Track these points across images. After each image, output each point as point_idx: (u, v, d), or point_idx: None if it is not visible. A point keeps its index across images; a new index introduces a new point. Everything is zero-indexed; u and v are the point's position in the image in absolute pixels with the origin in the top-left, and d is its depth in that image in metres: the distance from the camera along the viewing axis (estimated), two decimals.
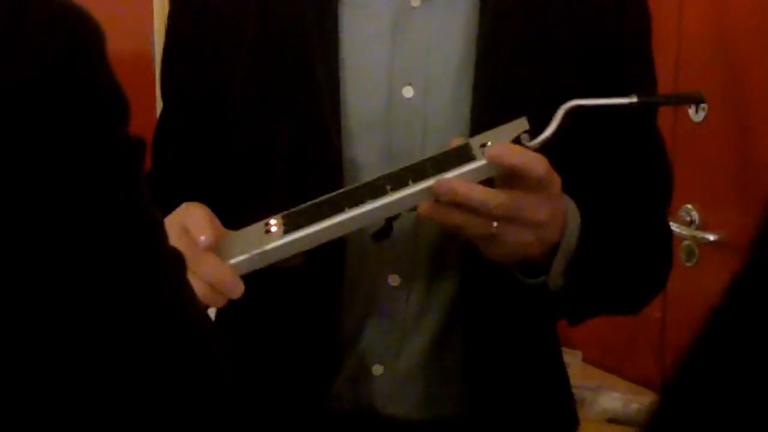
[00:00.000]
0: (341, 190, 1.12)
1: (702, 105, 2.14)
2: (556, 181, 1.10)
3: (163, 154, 1.27)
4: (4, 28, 0.61)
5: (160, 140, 1.28)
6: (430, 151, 1.16)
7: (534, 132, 1.11)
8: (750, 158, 2.11)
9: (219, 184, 1.24)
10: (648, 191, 1.27)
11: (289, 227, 1.10)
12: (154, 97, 2.11)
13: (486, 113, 1.16)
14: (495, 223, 1.08)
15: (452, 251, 1.20)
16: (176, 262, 0.69)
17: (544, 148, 1.10)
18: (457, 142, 1.12)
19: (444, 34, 1.20)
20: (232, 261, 1.09)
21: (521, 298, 1.19)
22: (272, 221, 1.11)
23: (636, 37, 1.25)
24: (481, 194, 1.07)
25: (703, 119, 2.14)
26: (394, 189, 1.08)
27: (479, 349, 1.23)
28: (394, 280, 1.21)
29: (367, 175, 1.16)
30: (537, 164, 1.07)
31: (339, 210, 1.09)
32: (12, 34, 0.61)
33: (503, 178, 1.09)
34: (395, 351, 1.23)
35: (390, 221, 1.12)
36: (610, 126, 1.22)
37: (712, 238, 2.15)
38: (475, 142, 1.11)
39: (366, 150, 1.18)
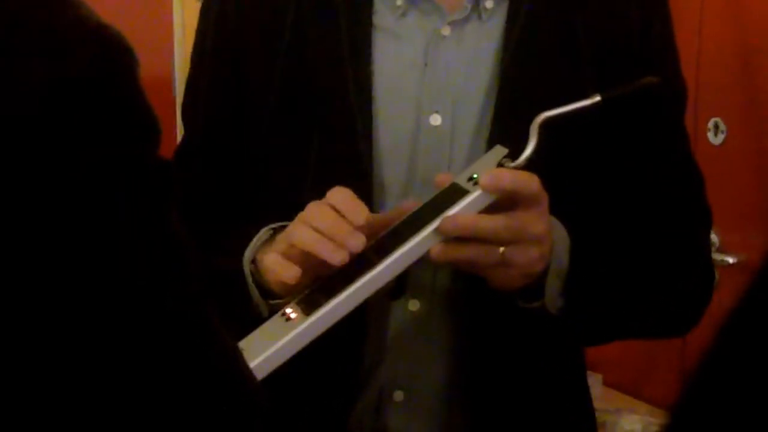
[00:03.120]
0: (354, 256, 1.10)
1: (721, 128, 2.14)
2: (546, 195, 1.12)
3: (186, 176, 1.28)
4: (39, 41, 0.62)
5: (183, 161, 1.29)
6: (456, 173, 1.18)
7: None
8: None
9: (246, 203, 1.25)
10: (679, 213, 1.28)
11: (308, 309, 1.09)
12: (175, 120, 2.12)
13: (504, 138, 1.17)
14: (501, 249, 1.10)
15: (470, 276, 1.20)
16: (199, 284, 0.69)
17: (551, 164, 1.12)
18: (441, 178, 1.14)
19: (473, 63, 1.21)
20: (265, 355, 1.07)
21: (542, 323, 1.20)
22: (288, 309, 1.10)
23: (664, 60, 1.26)
24: (488, 221, 1.09)
25: (722, 142, 2.15)
26: (400, 243, 1.09)
27: (500, 373, 1.23)
28: (413, 305, 1.22)
29: (394, 196, 1.19)
30: (530, 182, 1.10)
31: (350, 278, 1.08)
32: (46, 48, 0.62)
33: (499, 203, 1.10)
34: (416, 377, 1.23)
35: (399, 278, 1.11)
36: (638, 147, 1.23)
37: (731, 260, 2.15)
38: (461, 178, 1.12)
39: (393, 172, 1.20)
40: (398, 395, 1.23)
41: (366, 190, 1.19)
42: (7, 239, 0.61)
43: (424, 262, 1.11)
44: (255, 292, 1.17)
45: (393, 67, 1.22)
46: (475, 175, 1.11)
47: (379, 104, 1.21)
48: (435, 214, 1.10)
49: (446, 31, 1.22)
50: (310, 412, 1.24)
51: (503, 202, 1.10)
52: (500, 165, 1.12)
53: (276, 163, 1.23)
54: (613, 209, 1.24)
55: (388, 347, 1.23)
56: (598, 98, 1.13)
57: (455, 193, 1.11)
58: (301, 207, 1.15)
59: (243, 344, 1.09)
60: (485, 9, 1.22)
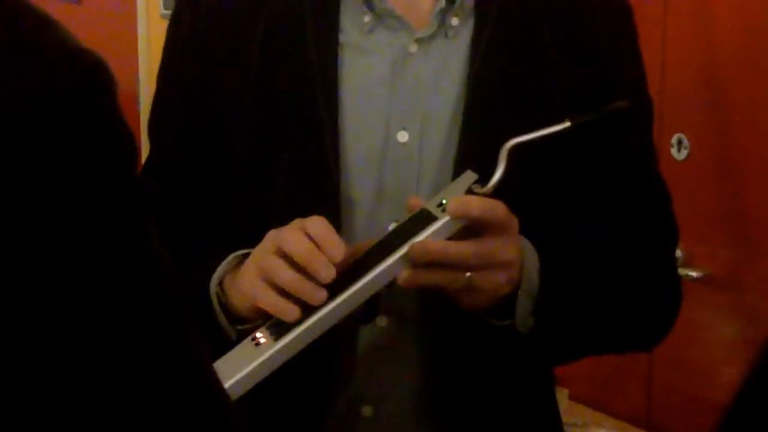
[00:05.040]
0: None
1: (684, 144, 2.16)
2: (515, 220, 1.13)
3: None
4: (18, 63, 0.62)
5: (151, 177, 1.29)
6: (424, 190, 1.19)
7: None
8: (732, 196, 2.12)
9: (215, 219, 1.25)
10: (648, 232, 1.29)
11: (278, 334, 1.10)
12: (140, 137, 2.12)
13: (472, 158, 1.18)
14: (468, 273, 1.11)
15: (439, 293, 1.21)
16: (179, 303, 0.69)
17: (520, 186, 1.13)
18: (413, 202, 1.15)
19: (440, 79, 1.22)
20: (234, 379, 1.08)
21: (510, 339, 1.20)
22: (258, 334, 1.11)
23: (632, 81, 1.27)
24: (455, 248, 1.10)
25: (686, 157, 2.16)
26: (368, 268, 1.10)
27: (469, 390, 1.23)
28: (381, 320, 1.22)
29: (363, 212, 1.20)
30: (496, 209, 1.11)
31: (320, 305, 1.09)
32: (25, 70, 0.62)
33: (467, 229, 1.11)
34: (384, 392, 1.24)
35: (370, 302, 1.12)
36: (606, 164, 1.24)
37: (695, 274, 2.16)
38: (431, 204, 1.13)
39: (362, 188, 1.21)
40: (367, 410, 1.24)
41: (334, 206, 1.19)
42: None
43: (393, 284, 1.12)
44: (222, 318, 1.18)
45: (360, 84, 1.22)
46: (444, 201, 1.12)
47: (347, 121, 1.21)
48: (404, 240, 1.11)
49: (413, 48, 1.22)
50: (278, 428, 1.23)
51: (473, 227, 1.11)
52: (470, 190, 1.12)
53: (245, 178, 1.24)
54: (582, 227, 1.25)
55: (357, 363, 1.23)
56: (567, 124, 1.14)
57: (424, 218, 1.12)
58: (269, 223, 1.15)
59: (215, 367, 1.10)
60: (451, 26, 1.23)
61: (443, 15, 1.22)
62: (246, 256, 1.17)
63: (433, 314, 1.22)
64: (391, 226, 1.19)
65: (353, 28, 1.23)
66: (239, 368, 1.09)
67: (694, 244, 2.17)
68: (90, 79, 0.64)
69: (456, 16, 1.22)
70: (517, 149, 1.12)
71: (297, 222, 1.13)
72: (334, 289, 1.10)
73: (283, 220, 1.15)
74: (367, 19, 1.22)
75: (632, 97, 1.23)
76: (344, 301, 1.09)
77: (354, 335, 1.22)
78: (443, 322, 1.22)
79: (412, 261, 1.10)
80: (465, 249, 1.10)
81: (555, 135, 1.13)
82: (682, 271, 2.14)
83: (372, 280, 1.10)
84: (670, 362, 2.15)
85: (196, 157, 1.26)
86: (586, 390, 2.34)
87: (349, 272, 1.11)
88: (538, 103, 1.21)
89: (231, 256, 1.19)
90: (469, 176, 1.14)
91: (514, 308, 1.15)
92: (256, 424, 1.22)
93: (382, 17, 1.22)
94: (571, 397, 2.30)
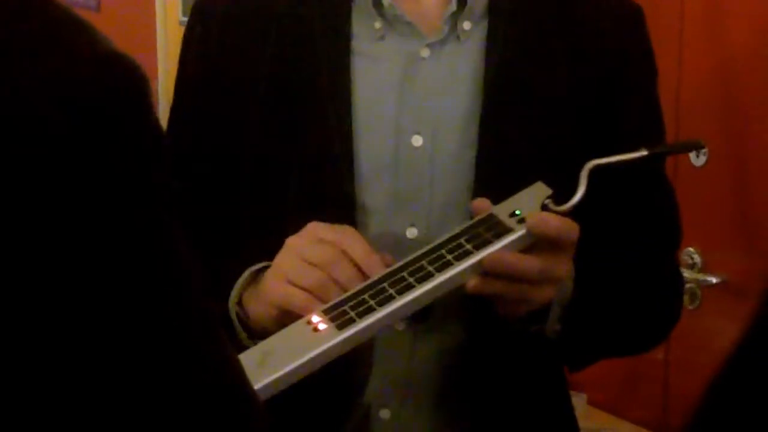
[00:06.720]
0: (381, 275, 1.10)
1: (703, 150, 2.17)
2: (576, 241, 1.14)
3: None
4: (55, 71, 0.63)
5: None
6: (438, 195, 1.20)
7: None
8: (750, 202, 2.12)
9: (229, 227, 1.26)
10: (658, 236, 1.30)
11: (340, 322, 1.07)
12: None
13: (491, 161, 1.19)
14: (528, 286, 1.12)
15: (457, 297, 1.21)
16: (206, 307, 0.70)
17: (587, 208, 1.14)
18: (479, 206, 1.14)
19: (452, 83, 1.22)
20: (295, 364, 1.05)
21: (527, 344, 1.21)
22: (315, 318, 1.08)
23: (642, 84, 1.28)
24: (527, 263, 1.11)
25: (704, 164, 2.16)
26: (439, 269, 1.09)
27: (487, 393, 1.24)
28: (399, 324, 1.22)
29: (377, 217, 1.20)
30: (573, 231, 1.12)
31: (385, 298, 1.08)
32: (65, 74, 0.63)
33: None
34: (402, 395, 1.24)
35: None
36: (621, 173, 1.25)
37: (714, 280, 2.16)
38: (500, 210, 1.13)
39: (375, 193, 1.21)
40: (385, 413, 1.24)
41: (349, 212, 1.19)
42: (23, 253, 0.62)
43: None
44: (243, 335, 1.18)
45: (372, 90, 1.22)
46: (517, 212, 1.12)
47: (360, 128, 1.21)
48: (475, 245, 1.10)
49: (425, 53, 1.23)
50: (297, 429, 1.24)
51: (543, 244, 1.12)
52: (545, 206, 1.13)
53: (258, 187, 1.24)
54: (601, 235, 1.25)
55: (375, 366, 1.23)
56: (644, 152, 1.16)
57: (495, 226, 1.12)
58: (282, 232, 1.16)
59: (265, 347, 1.08)
60: (463, 30, 1.23)
61: (454, 19, 1.23)
62: (261, 270, 1.18)
63: (451, 318, 1.22)
64: (409, 232, 1.20)
65: (364, 34, 1.23)
66: (299, 353, 1.06)
67: (712, 251, 2.16)
68: (128, 82, 0.65)
69: (467, 20, 1.23)
70: (595, 172, 1.13)
71: (325, 232, 1.13)
72: (399, 283, 1.09)
73: (296, 228, 1.15)
74: (378, 25, 1.23)
75: (640, 102, 1.25)
76: (415, 298, 1.09)
77: (371, 339, 1.23)
78: (460, 325, 1.22)
79: (484, 269, 1.10)
80: (534, 264, 1.11)
81: (631, 161, 1.15)
82: (700, 277, 2.14)
83: (441, 284, 1.10)
84: (687, 368, 2.15)
85: (210, 168, 1.27)
86: (604, 395, 2.34)
87: (415, 267, 1.10)
88: (551, 106, 1.22)
89: (247, 272, 1.18)
90: (542, 189, 1.14)
91: (545, 315, 1.16)
92: (274, 426, 1.22)
93: (393, 23, 1.23)
94: (588, 402, 2.30)
